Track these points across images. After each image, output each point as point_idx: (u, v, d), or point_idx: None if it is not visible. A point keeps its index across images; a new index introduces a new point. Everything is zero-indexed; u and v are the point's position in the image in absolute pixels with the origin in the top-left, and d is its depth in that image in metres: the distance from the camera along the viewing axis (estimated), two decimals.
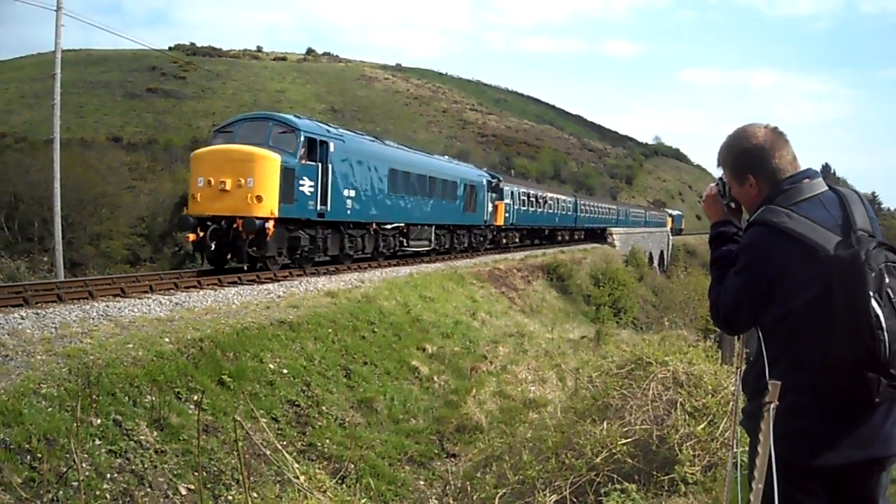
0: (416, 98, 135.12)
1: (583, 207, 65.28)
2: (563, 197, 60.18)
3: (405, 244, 30.87)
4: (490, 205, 40.74)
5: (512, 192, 44.88)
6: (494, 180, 42.51)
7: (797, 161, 3.68)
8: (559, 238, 59.30)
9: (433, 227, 33.33)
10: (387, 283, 22.72)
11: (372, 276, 24.07)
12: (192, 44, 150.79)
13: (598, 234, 67.24)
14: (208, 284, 18.96)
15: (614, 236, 65.12)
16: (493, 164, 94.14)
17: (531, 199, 49.69)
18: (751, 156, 3.66)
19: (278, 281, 21.17)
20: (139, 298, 16.10)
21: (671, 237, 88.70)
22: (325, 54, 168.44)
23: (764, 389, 3.36)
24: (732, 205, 3.91)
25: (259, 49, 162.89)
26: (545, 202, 52.88)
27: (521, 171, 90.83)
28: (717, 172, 4.04)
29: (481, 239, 41.17)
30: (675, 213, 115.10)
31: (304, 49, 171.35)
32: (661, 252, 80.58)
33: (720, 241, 3.76)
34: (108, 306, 14.72)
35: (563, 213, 58.25)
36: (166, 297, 16.59)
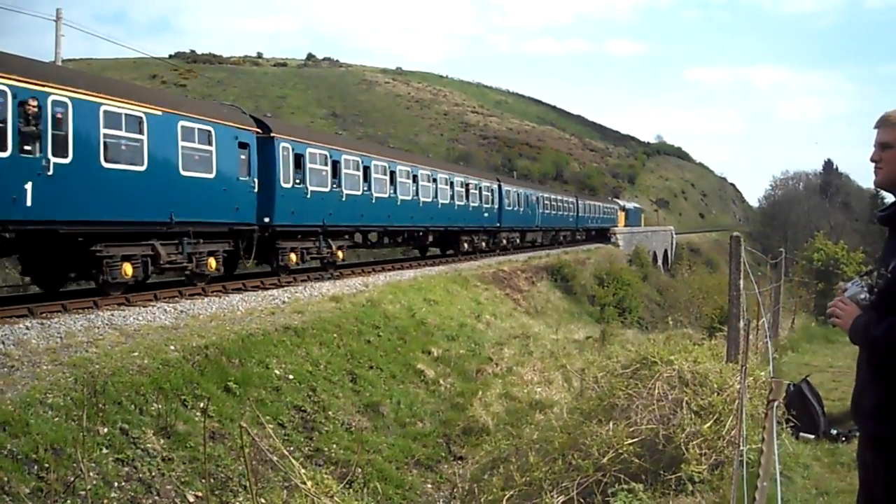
0: (417, 101, 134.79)
1: (408, 182, 31.13)
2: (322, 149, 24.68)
3: None
4: None
5: None
6: None
7: None
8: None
9: None
10: (391, 286, 22.75)
11: (376, 280, 24.11)
12: (193, 51, 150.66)
13: (451, 242, 37.79)
14: (213, 291, 18.96)
15: (618, 235, 65.09)
16: (494, 165, 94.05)
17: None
18: None
19: (283, 287, 21.19)
20: (144, 307, 16.11)
21: (675, 236, 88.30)
22: (325, 59, 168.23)
23: None
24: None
25: (259, 55, 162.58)
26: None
27: (523, 173, 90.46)
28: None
29: None
30: (630, 205, 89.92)
31: (305, 55, 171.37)
32: (665, 251, 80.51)
33: (874, 323, 3.65)
34: (112, 315, 14.74)
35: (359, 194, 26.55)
36: (171, 304, 16.61)
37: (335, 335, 16.46)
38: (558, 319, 31.04)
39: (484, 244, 41.72)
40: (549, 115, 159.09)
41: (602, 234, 69.68)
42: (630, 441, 7.41)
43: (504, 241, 45.48)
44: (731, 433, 7.05)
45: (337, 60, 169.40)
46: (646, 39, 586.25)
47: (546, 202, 53.57)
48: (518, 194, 47.19)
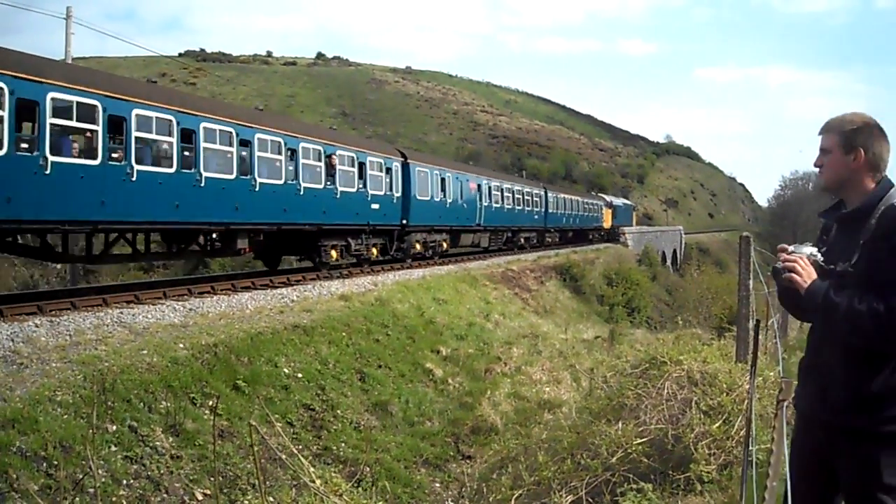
0: (426, 100, 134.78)
1: (168, 142, 17.38)
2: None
3: None
4: None
5: None
6: None
7: None
8: None
9: None
10: (400, 285, 22.74)
11: (385, 279, 24.10)
12: (203, 50, 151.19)
13: (305, 248, 26.33)
14: (222, 290, 18.99)
15: (627, 235, 64.78)
16: (504, 164, 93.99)
17: None
18: (873, 133, 3.82)
19: (291, 285, 21.20)
20: (153, 304, 16.15)
21: (684, 236, 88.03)
22: (335, 58, 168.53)
23: None
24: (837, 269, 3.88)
25: (269, 54, 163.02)
26: None
27: (532, 172, 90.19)
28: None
29: None
30: (619, 202, 77.05)
31: (314, 53, 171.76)
32: (674, 251, 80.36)
33: (831, 293, 3.72)
34: (122, 313, 14.77)
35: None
36: (180, 302, 16.64)
37: (344, 334, 16.46)
38: (567, 319, 30.95)
39: (376, 251, 27.90)
40: (559, 115, 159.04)
41: (582, 236, 61.18)
42: (639, 441, 7.40)
43: (417, 246, 31.18)
44: (740, 433, 7.03)
45: (346, 59, 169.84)
46: (657, 39, 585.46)
47: (495, 193, 40.63)
48: (442, 179, 33.20)
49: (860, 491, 3.71)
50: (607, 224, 67.98)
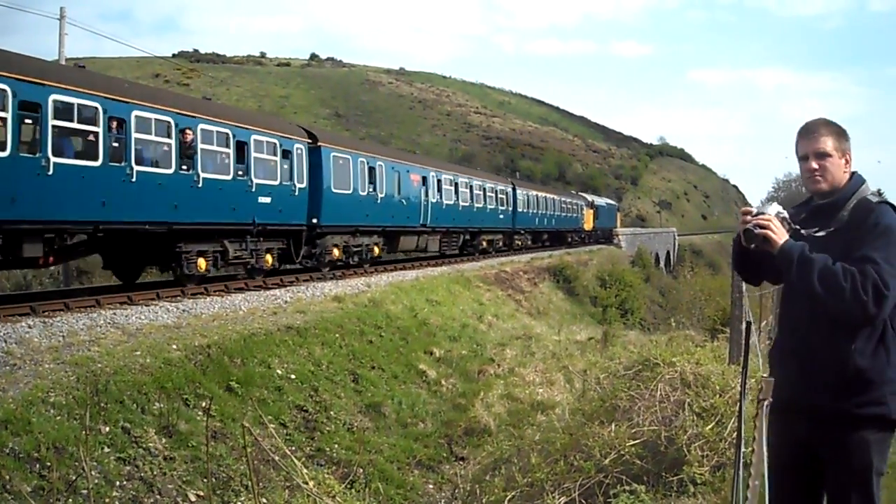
0: (420, 102, 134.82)
1: None
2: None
3: None
4: None
5: None
6: None
7: None
8: None
9: None
10: (393, 287, 22.73)
11: (378, 281, 24.08)
12: (196, 50, 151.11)
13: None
14: (215, 291, 18.93)
15: (620, 237, 64.78)
16: (497, 166, 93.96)
17: None
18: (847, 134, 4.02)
19: (285, 286, 21.16)
20: (146, 306, 16.11)
21: (677, 237, 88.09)
22: (328, 59, 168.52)
23: None
24: (802, 232, 3.96)
25: (263, 55, 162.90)
26: None
27: (526, 174, 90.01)
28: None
29: None
30: (602, 202, 70.81)
31: (308, 54, 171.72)
32: (668, 252, 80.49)
33: (807, 250, 3.75)
34: (115, 314, 14.73)
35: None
36: (173, 303, 16.59)
37: (337, 335, 16.45)
38: (560, 320, 30.96)
39: (271, 258, 21.92)
40: (553, 116, 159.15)
41: (559, 239, 55.49)
42: (632, 442, 7.40)
43: (335, 252, 24.68)
44: (733, 435, 7.04)
45: (340, 60, 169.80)
46: (651, 41, 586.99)
47: (447, 187, 34.17)
48: (371, 168, 26.95)
49: (849, 475, 3.72)
50: (588, 226, 62.60)
